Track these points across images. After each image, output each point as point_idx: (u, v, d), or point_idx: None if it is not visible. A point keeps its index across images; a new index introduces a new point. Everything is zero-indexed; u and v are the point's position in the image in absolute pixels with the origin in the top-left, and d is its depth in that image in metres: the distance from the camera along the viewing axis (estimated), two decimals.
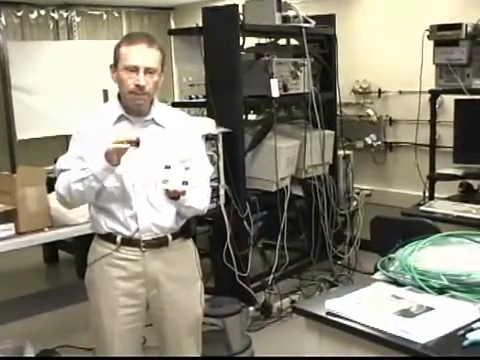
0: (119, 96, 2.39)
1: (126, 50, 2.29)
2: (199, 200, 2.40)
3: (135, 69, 2.27)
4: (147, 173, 2.33)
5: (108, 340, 2.43)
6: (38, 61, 6.20)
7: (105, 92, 5.70)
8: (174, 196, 2.24)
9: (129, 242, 2.37)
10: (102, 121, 2.38)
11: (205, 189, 2.47)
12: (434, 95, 4.40)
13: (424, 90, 4.39)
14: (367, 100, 5.50)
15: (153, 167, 2.31)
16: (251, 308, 4.18)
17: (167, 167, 2.20)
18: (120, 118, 2.37)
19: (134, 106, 2.34)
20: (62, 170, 2.37)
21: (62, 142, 5.40)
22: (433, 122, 4.44)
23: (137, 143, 2.22)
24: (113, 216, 2.37)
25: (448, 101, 4.72)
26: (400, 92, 5.24)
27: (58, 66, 6.31)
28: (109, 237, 2.40)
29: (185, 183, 2.17)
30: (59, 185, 2.36)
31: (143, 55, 2.28)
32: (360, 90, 5.51)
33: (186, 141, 2.43)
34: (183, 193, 2.21)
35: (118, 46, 2.33)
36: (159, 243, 2.40)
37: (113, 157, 2.21)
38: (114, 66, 2.34)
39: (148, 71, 2.28)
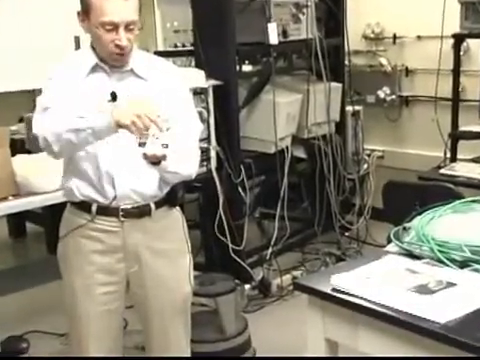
0: (92, 45, 2.36)
1: (100, 1, 2.22)
2: (186, 164, 2.39)
3: (114, 27, 2.23)
4: (124, 133, 2.32)
5: (83, 323, 2.45)
6: None
7: (77, 39, 5.64)
8: (153, 161, 2.22)
9: (106, 211, 2.37)
10: (73, 71, 2.35)
11: (193, 151, 2.45)
12: (458, 40, 4.37)
13: (447, 34, 4.36)
14: (380, 47, 5.48)
15: None
16: (247, 286, 4.21)
17: None
18: (94, 68, 2.35)
19: (114, 64, 2.33)
20: (47, 108, 2.28)
21: (28, 98, 5.36)
22: (457, 72, 4.43)
23: (114, 97, 2.20)
24: (87, 182, 2.36)
25: (475, 47, 4.71)
26: (418, 37, 5.21)
27: (21, 10, 6.23)
28: (83, 206, 2.40)
29: (165, 146, 2.15)
30: (46, 128, 2.24)
31: (121, 8, 2.22)
32: (372, 35, 5.48)
33: (171, 95, 2.40)
34: (163, 158, 2.19)
35: None
36: (140, 212, 2.40)
37: (129, 127, 2.12)
38: (83, 15, 2.28)
39: (128, 27, 2.24)
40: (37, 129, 2.28)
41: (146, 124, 2.11)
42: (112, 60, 2.31)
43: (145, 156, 2.18)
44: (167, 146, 2.15)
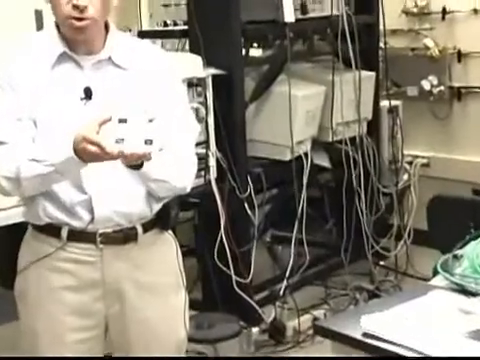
0: (58, 25, 2.38)
1: None
2: (178, 173, 2.40)
3: None
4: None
5: None
6: None
7: (38, 14, 5.68)
8: (134, 163, 2.20)
9: (80, 236, 2.38)
10: (36, 62, 2.36)
11: (188, 158, 2.47)
12: None
13: None
14: (425, 25, 5.49)
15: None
16: (255, 329, 4.23)
17: (122, 121, 2.11)
18: (61, 58, 2.35)
19: (75, 39, 2.32)
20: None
21: None
22: None
23: (88, 94, 2.23)
24: (56, 200, 2.36)
25: None
26: (475, 11, 5.22)
27: None
28: (50, 229, 2.40)
29: (148, 142, 2.09)
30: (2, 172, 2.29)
31: None
32: (415, 10, 5.50)
33: (159, 89, 2.42)
34: (146, 157, 2.14)
35: None
36: (124, 237, 2.41)
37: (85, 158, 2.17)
38: None
39: None
40: None
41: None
42: (71, 32, 2.29)
43: (123, 156, 2.12)
44: (151, 142, 2.09)
